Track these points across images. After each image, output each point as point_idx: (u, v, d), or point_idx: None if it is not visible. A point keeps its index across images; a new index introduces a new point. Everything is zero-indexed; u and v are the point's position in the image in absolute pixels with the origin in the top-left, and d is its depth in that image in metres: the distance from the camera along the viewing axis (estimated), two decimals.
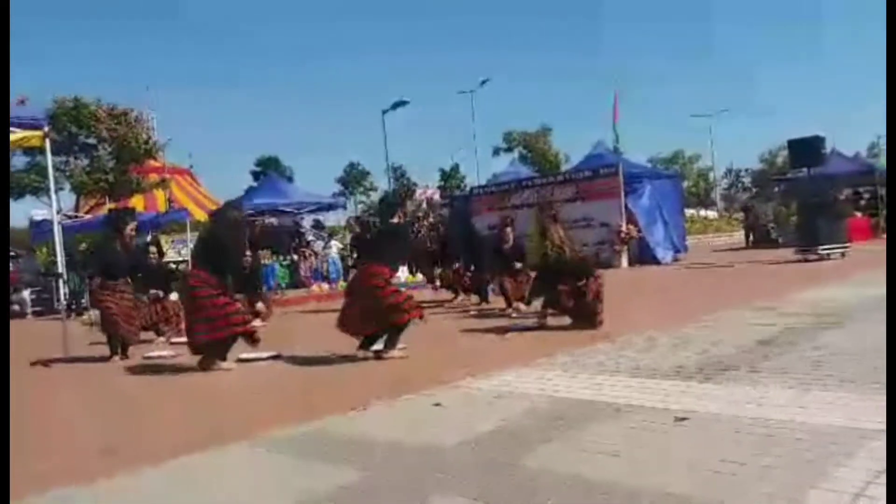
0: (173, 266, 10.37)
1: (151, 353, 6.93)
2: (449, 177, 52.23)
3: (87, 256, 13.40)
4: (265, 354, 5.93)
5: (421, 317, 5.72)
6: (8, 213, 7.79)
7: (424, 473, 2.72)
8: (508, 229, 9.11)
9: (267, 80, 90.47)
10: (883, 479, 2.25)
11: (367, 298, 5.63)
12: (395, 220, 6.09)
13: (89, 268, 13.18)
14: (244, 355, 5.85)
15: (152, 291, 8.28)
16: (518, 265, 8.62)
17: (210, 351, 5.75)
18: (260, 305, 8.98)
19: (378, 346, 5.64)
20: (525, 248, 8.71)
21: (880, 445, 2.56)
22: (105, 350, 6.88)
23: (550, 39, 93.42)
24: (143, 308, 7.94)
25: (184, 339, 6.29)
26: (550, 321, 6.77)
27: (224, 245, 5.98)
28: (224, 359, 5.76)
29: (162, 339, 8.02)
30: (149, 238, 8.80)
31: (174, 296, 8.22)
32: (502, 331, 6.87)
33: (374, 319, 5.59)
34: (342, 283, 16.79)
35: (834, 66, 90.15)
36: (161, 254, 9.26)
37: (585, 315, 6.44)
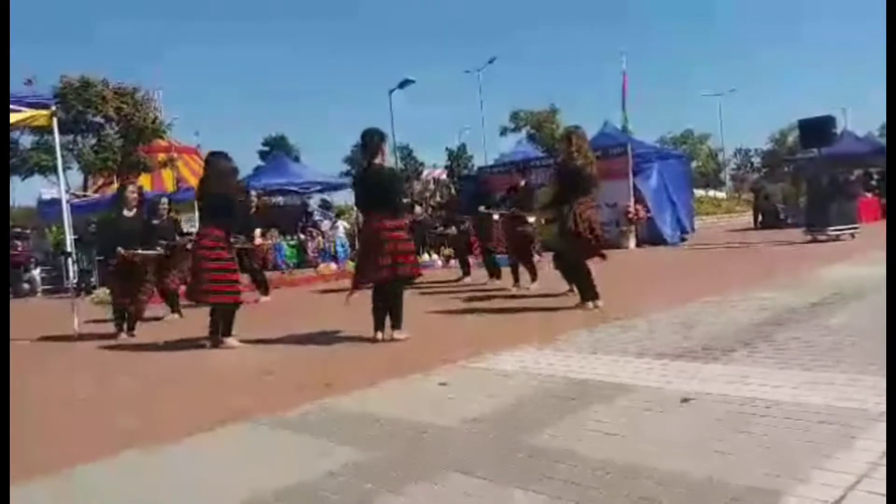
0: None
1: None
2: (456, 156, 52.08)
3: (93, 235, 13.47)
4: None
5: (419, 274, 5.78)
6: (8, 214, 7.82)
7: (425, 451, 2.74)
8: (522, 181, 9.07)
9: (275, 59, 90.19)
10: (885, 460, 2.25)
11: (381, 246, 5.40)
12: (378, 160, 5.64)
13: (96, 246, 13.29)
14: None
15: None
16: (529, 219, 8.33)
17: (215, 318, 5.77)
18: None
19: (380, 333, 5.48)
20: (536, 196, 8.51)
21: (877, 427, 2.55)
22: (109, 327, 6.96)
23: (558, 18, 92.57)
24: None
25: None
26: (552, 302, 6.74)
27: (223, 194, 5.88)
28: (230, 333, 5.80)
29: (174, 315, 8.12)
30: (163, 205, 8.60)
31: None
32: (507, 310, 6.88)
33: (385, 267, 5.37)
34: (350, 263, 16.86)
35: (845, 46, 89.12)
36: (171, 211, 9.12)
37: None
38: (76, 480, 2.78)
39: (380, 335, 5.43)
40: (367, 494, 2.35)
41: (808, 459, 2.32)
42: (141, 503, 2.54)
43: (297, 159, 35.64)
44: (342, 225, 18.63)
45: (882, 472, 2.16)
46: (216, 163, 5.99)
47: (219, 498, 2.47)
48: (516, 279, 8.62)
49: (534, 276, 8.48)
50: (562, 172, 6.53)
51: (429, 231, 14.77)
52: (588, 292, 6.35)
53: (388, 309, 5.51)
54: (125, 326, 6.92)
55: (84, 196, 18.02)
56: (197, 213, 8.01)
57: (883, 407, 2.78)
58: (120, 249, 6.87)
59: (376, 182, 5.59)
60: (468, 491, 2.32)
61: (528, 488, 2.28)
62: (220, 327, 5.77)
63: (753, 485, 2.15)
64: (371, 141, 5.64)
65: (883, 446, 2.36)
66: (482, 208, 9.39)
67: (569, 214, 6.25)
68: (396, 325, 5.50)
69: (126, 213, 7.17)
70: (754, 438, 2.58)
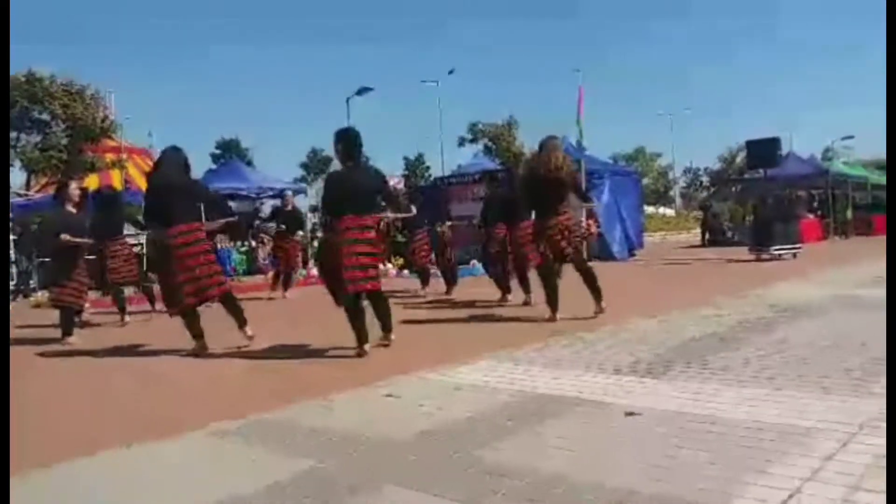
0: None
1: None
2: (413, 166, 52.08)
3: (36, 237, 13.08)
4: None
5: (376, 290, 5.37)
6: (8, 214, 7.54)
7: (372, 464, 2.73)
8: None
9: (231, 62, 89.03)
10: (821, 475, 2.34)
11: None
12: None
13: (40, 248, 12.89)
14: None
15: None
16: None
17: (191, 317, 5.60)
18: None
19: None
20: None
21: (816, 443, 2.64)
22: (49, 332, 6.75)
23: (516, 33, 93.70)
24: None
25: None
26: (511, 312, 6.79)
27: (190, 186, 5.77)
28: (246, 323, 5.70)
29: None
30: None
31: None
32: (466, 321, 6.89)
33: (371, 278, 5.24)
34: (301, 272, 16.66)
35: (793, 70, 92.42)
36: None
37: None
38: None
39: (367, 347, 5.13)
40: None
41: (744, 474, 2.38)
42: None
43: (249, 164, 35.16)
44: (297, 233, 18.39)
45: (814, 487, 2.23)
46: (176, 155, 5.82)
47: None
48: (508, 290, 8.44)
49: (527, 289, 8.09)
50: (548, 179, 6.38)
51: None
52: (554, 304, 6.42)
53: (378, 315, 5.35)
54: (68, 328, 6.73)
55: (26, 195, 17.44)
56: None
57: (818, 424, 2.87)
58: (64, 235, 6.73)
59: (363, 182, 5.33)
60: None
61: (475, 503, 2.28)
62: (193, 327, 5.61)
63: (693, 499, 2.19)
64: (356, 139, 5.40)
65: (817, 462, 2.45)
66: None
67: (555, 223, 6.33)
68: (389, 327, 5.39)
69: (69, 208, 6.99)
70: (697, 454, 2.64)
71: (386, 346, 5.36)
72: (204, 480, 2.68)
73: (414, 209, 8.48)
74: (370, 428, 3.25)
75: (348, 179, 5.32)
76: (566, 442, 2.88)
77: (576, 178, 6.60)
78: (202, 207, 6.04)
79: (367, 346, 5.11)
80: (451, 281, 9.88)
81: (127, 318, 8.02)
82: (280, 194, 21.10)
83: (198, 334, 5.60)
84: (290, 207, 11.24)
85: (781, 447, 2.64)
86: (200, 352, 5.55)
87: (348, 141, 5.39)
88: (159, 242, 5.72)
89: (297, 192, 21.63)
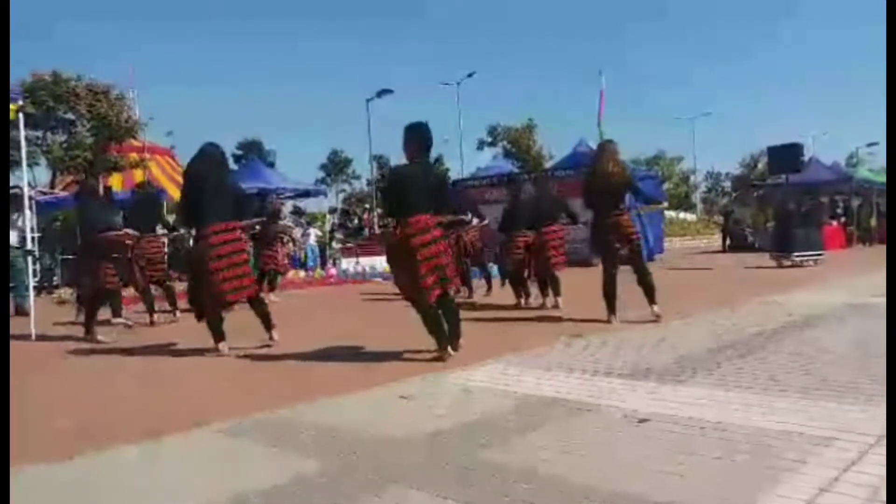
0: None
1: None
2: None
3: (60, 235, 13.27)
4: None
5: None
6: (7, 213, 7.65)
7: (380, 464, 2.72)
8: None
9: (254, 63, 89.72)
10: (836, 487, 2.29)
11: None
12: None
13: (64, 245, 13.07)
14: None
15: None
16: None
17: (217, 319, 5.59)
18: None
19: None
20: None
21: (832, 453, 2.60)
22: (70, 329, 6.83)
23: (537, 35, 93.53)
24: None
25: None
26: (533, 315, 6.76)
27: (228, 184, 5.74)
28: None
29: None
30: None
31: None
32: (479, 321, 6.88)
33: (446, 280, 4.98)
34: (319, 272, 16.77)
35: (816, 75, 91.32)
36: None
37: None
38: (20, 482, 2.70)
39: (450, 350, 4.93)
40: None
41: (757, 483, 2.35)
42: None
43: (272, 165, 35.40)
44: (314, 232, 18.54)
45: (829, 499, 2.19)
46: (214, 151, 5.79)
47: None
48: (527, 294, 8.38)
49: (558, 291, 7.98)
50: (607, 182, 6.49)
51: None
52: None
53: (448, 319, 5.02)
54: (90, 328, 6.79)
55: (51, 193, 17.70)
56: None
57: (837, 433, 2.83)
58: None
59: (433, 179, 5.10)
60: None
61: None
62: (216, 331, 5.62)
63: None
64: (429, 133, 5.11)
65: (832, 473, 2.40)
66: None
67: (612, 222, 6.40)
68: (458, 336, 5.08)
69: (99, 202, 7.06)
70: (708, 462, 2.60)
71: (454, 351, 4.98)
72: (208, 479, 2.68)
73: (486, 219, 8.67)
74: (378, 428, 3.24)
75: (420, 176, 4.99)
76: (573, 446, 2.86)
77: (633, 181, 6.84)
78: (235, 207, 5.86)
79: (450, 349, 4.89)
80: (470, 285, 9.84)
81: (156, 316, 7.91)
82: (304, 194, 21.38)
83: (221, 336, 5.59)
84: (276, 209, 11.19)
85: (796, 456, 2.60)
86: (220, 353, 5.53)
87: (421, 135, 5.08)
88: (198, 241, 5.64)
89: (317, 194, 21.84)
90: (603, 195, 6.46)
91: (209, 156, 5.77)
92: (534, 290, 8.21)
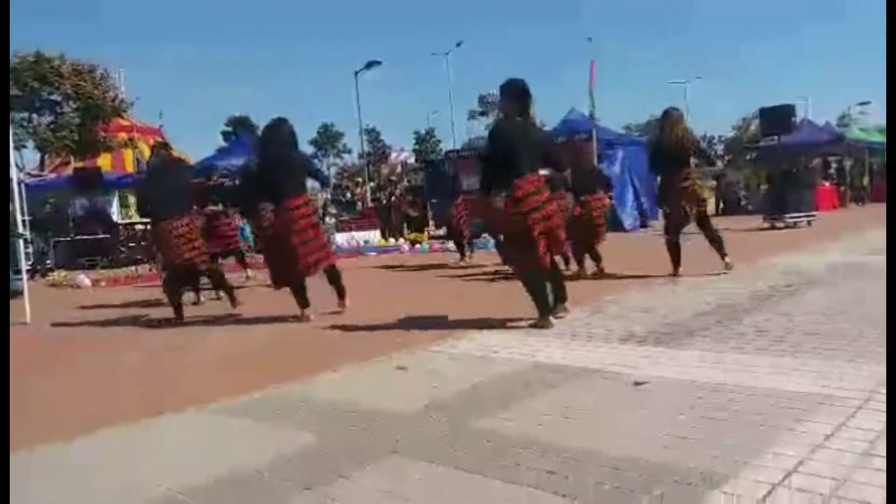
0: None
1: None
2: (424, 140, 51.88)
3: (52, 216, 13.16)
4: None
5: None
6: (8, 214, 7.57)
7: (378, 436, 2.73)
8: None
9: (239, 38, 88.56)
10: (830, 443, 2.31)
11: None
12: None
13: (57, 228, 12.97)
14: None
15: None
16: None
17: (302, 289, 5.75)
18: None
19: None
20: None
21: (831, 410, 2.62)
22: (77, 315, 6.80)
23: (527, 3, 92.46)
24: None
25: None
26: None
27: (301, 158, 6.04)
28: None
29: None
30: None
31: None
32: (477, 291, 6.89)
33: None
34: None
35: (807, 35, 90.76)
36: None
37: None
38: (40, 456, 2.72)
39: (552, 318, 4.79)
40: (316, 479, 2.33)
41: (752, 442, 2.36)
42: (88, 487, 2.49)
43: None
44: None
45: (822, 454, 2.22)
46: (284, 127, 5.85)
47: (161, 483, 2.43)
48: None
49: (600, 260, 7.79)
50: (673, 147, 6.80)
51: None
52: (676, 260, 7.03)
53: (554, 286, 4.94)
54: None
55: (40, 175, 17.56)
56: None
57: (836, 391, 2.85)
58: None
59: (538, 137, 4.92)
60: (420, 476, 2.32)
61: (482, 473, 2.28)
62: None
63: (703, 468, 2.18)
64: (528, 88, 4.77)
65: (828, 428, 2.43)
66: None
67: (681, 185, 6.83)
68: (564, 299, 5.05)
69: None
70: (707, 423, 2.62)
71: (561, 317, 4.93)
72: (207, 455, 2.69)
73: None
74: (375, 401, 3.25)
75: (526, 133, 4.70)
76: (573, 412, 2.87)
77: (699, 144, 7.28)
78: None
79: (552, 318, 4.76)
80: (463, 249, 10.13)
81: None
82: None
83: (306, 303, 5.76)
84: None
85: (792, 414, 2.62)
86: (304, 320, 5.67)
87: (522, 90, 4.78)
88: (278, 216, 5.76)
89: None
90: (673, 159, 6.81)
91: (279, 132, 5.82)
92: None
